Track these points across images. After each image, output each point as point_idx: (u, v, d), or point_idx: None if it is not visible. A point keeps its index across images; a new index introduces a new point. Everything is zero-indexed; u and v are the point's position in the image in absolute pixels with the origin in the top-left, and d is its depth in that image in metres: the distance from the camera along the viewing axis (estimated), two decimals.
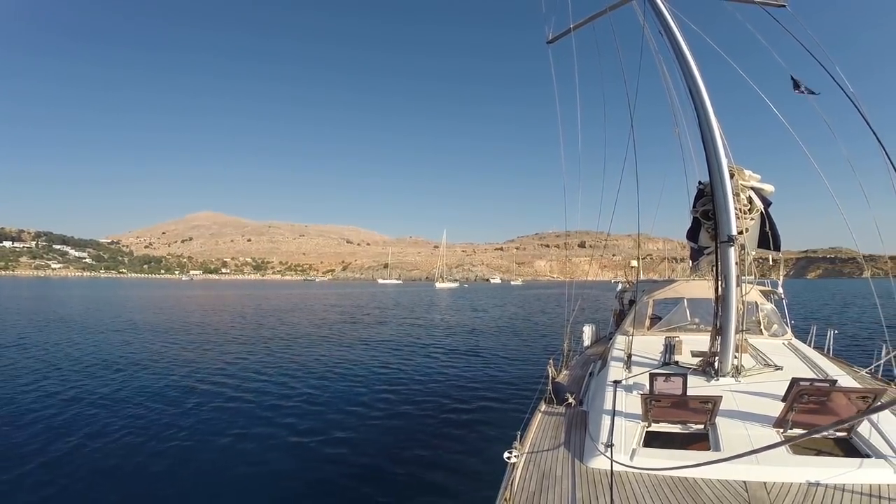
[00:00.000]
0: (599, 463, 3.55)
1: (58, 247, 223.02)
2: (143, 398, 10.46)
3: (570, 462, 3.73)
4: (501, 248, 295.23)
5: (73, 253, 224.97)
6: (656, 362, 5.55)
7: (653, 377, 4.09)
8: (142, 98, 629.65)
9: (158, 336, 21.16)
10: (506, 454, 3.73)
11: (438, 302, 51.16)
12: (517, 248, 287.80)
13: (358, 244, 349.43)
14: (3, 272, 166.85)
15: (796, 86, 5.76)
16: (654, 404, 3.90)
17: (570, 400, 5.31)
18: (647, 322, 7.56)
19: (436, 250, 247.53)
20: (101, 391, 11.00)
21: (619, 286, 14.41)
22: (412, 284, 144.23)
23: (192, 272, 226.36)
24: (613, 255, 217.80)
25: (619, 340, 6.54)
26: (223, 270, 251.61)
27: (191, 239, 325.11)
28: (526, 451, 3.93)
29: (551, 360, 6.58)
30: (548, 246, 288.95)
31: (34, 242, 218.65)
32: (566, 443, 4.11)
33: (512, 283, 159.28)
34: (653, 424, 3.96)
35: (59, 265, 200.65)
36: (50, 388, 11.26)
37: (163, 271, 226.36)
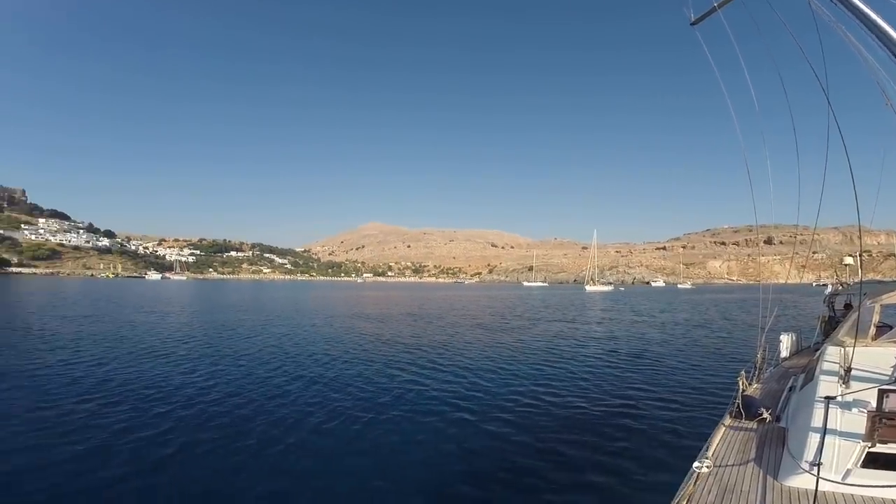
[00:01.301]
0: (800, 481, 3.40)
1: (267, 255, 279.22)
2: (351, 383, 12.58)
3: (761, 478, 3.59)
4: (664, 248, 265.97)
5: (278, 260, 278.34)
6: (884, 377, 4.71)
7: (883, 393, 3.68)
8: (321, 126, 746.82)
9: (354, 328, 24.99)
10: (695, 464, 3.71)
11: (591, 305, 48.86)
12: (684, 247, 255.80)
13: (502, 247, 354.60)
14: (231, 276, 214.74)
15: None
16: (883, 423, 3.57)
17: (765, 415, 4.98)
18: (873, 331, 6.27)
19: (584, 252, 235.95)
20: (328, 375, 13.60)
21: (829, 288, 12.09)
22: (559, 287, 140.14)
23: (364, 275, 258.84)
24: (815, 253, 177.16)
25: (832, 352, 5.61)
26: (389, 273, 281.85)
27: (363, 247, 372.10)
28: (708, 463, 3.80)
29: (742, 372, 6.01)
30: (723, 244, 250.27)
31: (251, 252, 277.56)
32: (757, 458, 3.90)
33: (679, 286, 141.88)
34: (878, 445, 3.60)
35: (268, 270, 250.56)
36: (293, 371, 14.35)
37: (342, 274, 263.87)
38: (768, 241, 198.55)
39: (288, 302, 48.64)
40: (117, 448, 7.12)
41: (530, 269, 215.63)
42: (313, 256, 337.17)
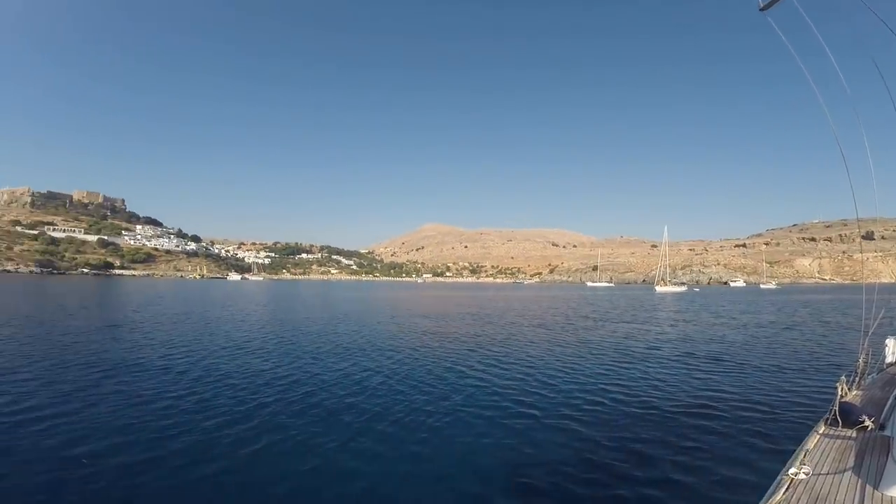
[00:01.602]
0: None
1: (335, 257, 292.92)
2: (422, 380, 13.15)
3: (859, 488, 3.49)
4: (744, 245, 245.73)
5: (344, 261, 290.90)
6: None
7: None
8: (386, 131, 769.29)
9: (419, 326, 25.84)
10: (789, 470, 3.65)
11: (663, 306, 46.44)
12: (767, 244, 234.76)
13: (563, 247, 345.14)
14: (301, 276, 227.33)
15: None
16: None
17: (867, 423, 4.79)
18: None
19: (654, 250, 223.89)
20: (400, 371, 14.30)
21: None
22: (626, 288, 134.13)
23: (423, 275, 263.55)
24: None
25: None
26: (447, 273, 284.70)
27: (423, 248, 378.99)
28: (804, 470, 3.72)
29: (843, 378, 5.71)
30: (813, 240, 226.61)
31: (320, 254, 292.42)
32: (855, 467, 3.76)
33: (762, 286, 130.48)
34: None
35: (335, 270, 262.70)
36: (366, 364, 15.25)
37: (403, 274, 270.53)
38: (867, 237, 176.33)
39: (355, 301, 50.89)
40: (217, 440, 7.61)
41: (594, 268, 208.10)
42: (376, 257, 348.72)
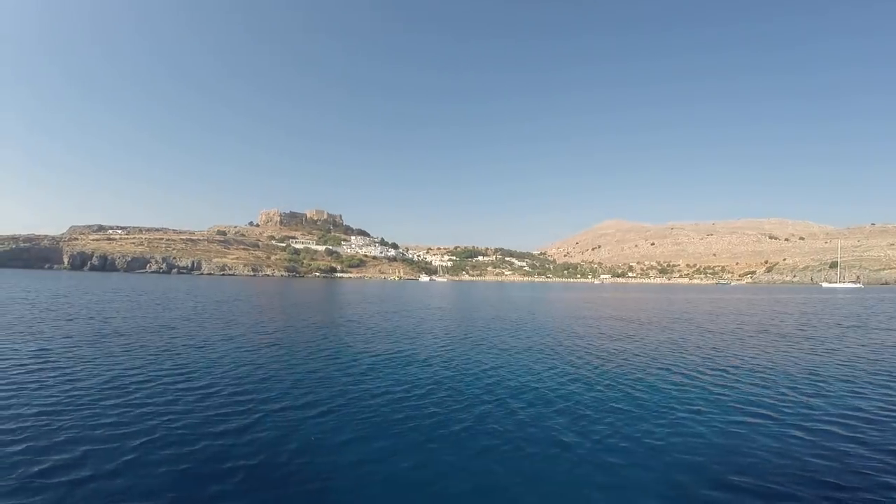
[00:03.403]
0: None
1: (508, 259, 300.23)
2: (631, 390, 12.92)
3: None
4: None
5: (517, 262, 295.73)
6: None
7: None
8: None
9: (617, 331, 25.05)
10: None
11: None
12: None
13: (786, 239, 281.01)
14: (478, 277, 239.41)
15: None
16: None
17: None
18: None
19: None
20: (604, 379, 14.39)
21: None
22: (883, 289, 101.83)
23: (602, 276, 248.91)
24: None
25: None
26: (629, 274, 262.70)
27: (599, 247, 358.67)
28: None
29: None
30: None
31: (494, 256, 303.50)
32: None
33: None
34: None
35: (509, 272, 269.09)
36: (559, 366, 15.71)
37: (578, 275, 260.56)
38: None
39: (533, 301, 51.46)
40: (435, 440, 7.61)
41: (832, 265, 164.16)
42: (549, 258, 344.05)
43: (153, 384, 10.33)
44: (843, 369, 13.39)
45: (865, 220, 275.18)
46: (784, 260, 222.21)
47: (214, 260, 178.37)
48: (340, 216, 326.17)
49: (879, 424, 8.40)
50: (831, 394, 10.58)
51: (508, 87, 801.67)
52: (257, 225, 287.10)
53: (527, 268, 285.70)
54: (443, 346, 16.90)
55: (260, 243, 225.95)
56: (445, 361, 14.06)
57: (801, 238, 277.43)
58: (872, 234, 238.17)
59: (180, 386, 10.26)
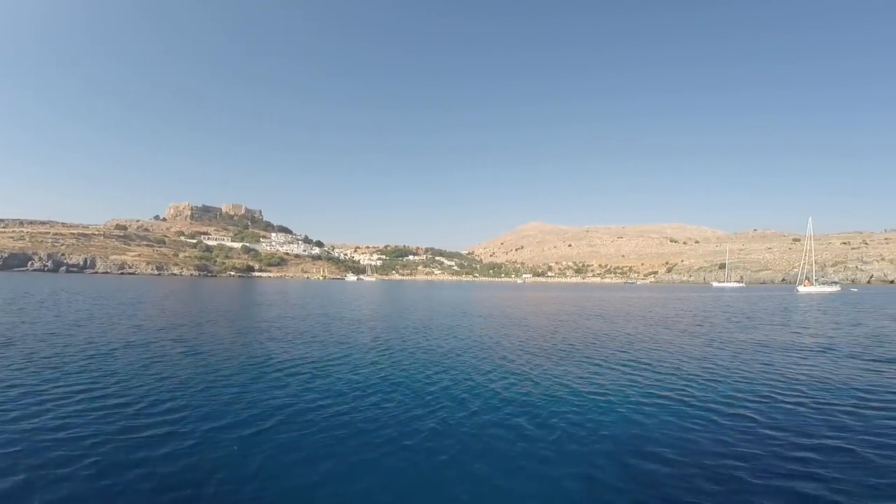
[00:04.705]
0: None
1: (438, 258, 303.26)
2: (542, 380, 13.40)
3: None
4: None
5: (447, 262, 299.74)
6: None
7: None
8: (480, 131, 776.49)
9: (533, 326, 26.02)
10: None
11: (808, 310, 40.17)
12: None
13: (684, 243, 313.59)
14: (408, 277, 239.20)
15: None
16: None
17: None
18: None
19: (796, 244, 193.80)
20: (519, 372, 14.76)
21: None
22: (761, 288, 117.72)
23: (524, 275, 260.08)
24: None
25: None
26: (549, 274, 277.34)
27: (522, 247, 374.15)
28: None
29: None
30: None
31: (425, 255, 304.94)
32: None
33: None
34: None
35: (438, 271, 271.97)
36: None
37: (502, 275, 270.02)
38: None
39: (462, 301, 52.37)
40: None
41: (721, 266, 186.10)
42: (476, 258, 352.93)
43: (44, 399, 8.87)
44: (734, 359, 15.21)
45: (749, 227, 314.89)
46: (682, 261, 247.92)
47: (112, 257, 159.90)
48: (260, 212, 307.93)
49: (765, 405, 9.60)
50: (725, 379, 11.96)
51: (434, 97, 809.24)
52: (164, 219, 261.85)
53: (456, 267, 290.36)
54: (374, 352, 16.53)
55: (167, 239, 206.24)
56: (379, 368, 13.74)
57: (697, 242, 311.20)
58: (754, 238, 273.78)
59: (74, 407, 8.90)
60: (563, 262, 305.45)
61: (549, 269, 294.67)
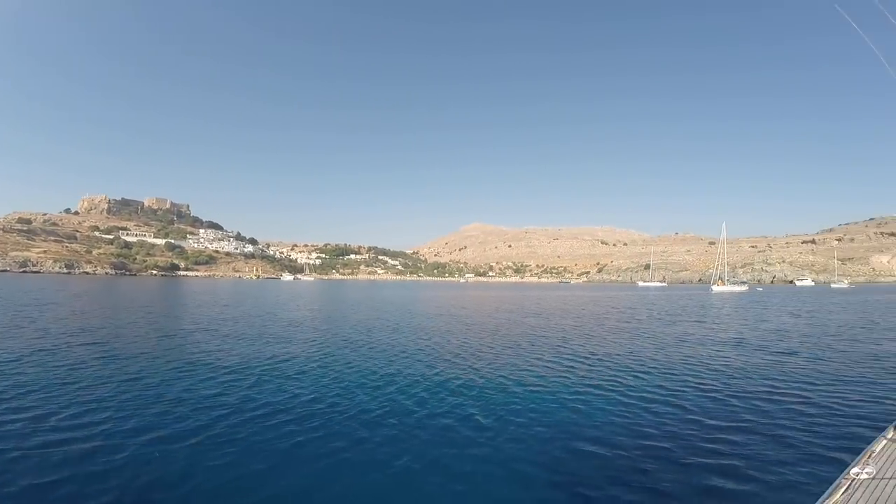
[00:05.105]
0: None
1: (381, 258, 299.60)
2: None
3: None
4: (812, 241, 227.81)
5: (390, 261, 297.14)
6: None
7: None
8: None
9: (476, 324, 26.50)
10: (851, 471, 3.58)
11: (722, 307, 44.49)
12: (839, 240, 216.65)
13: (613, 245, 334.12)
14: (350, 276, 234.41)
15: None
16: None
17: None
18: None
19: (711, 247, 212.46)
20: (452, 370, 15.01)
21: None
22: (680, 287, 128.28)
23: (466, 275, 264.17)
24: None
25: None
26: (490, 273, 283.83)
27: (465, 248, 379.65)
28: (863, 471, 3.67)
29: None
30: (893, 234, 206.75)
31: (367, 254, 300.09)
32: None
33: (833, 285, 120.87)
34: None
35: (382, 271, 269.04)
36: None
37: (446, 274, 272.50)
38: None
39: (406, 301, 52.27)
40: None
41: (646, 267, 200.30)
42: (421, 258, 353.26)
43: None
44: (659, 352, 16.59)
45: (672, 230, 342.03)
46: (612, 262, 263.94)
47: (12, 253, 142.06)
48: (188, 206, 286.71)
49: (689, 392, 10.61)
50: (652, 370, 13.03)
51: (384, 98, 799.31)
52: (76, 213, 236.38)
53: (400, 266, 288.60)
54: (317, 356, 16.14)
55: (79, 234, 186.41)
56: (320, 373, 13.46)
57: (625, 244, 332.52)
58: (676, 241, 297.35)
59: None
60: (504, 262, 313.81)
61: (491, 268, 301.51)
